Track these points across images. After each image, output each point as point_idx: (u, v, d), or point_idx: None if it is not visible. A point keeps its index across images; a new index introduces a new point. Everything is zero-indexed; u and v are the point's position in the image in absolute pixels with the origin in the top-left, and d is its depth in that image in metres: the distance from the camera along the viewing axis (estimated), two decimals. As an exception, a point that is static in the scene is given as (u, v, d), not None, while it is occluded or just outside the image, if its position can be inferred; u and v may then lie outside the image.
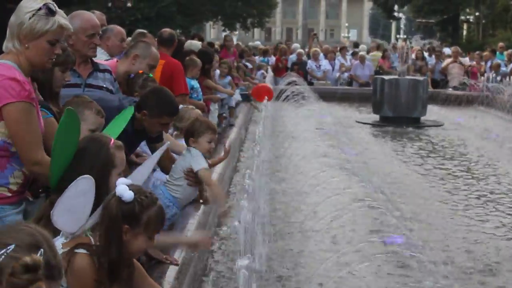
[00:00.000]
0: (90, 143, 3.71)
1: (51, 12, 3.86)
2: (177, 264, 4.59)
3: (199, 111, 7.23)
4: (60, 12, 3.97)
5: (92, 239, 3.37)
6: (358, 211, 7.51)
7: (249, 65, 18.92)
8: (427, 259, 6.04)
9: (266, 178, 9.13)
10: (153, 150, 5.73)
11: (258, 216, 6.63)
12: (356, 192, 8.26)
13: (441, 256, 6.65)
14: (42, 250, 2.31)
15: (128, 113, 4.39)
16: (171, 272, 4.48)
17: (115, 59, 6.03)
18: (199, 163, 5.68)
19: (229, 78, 13.36)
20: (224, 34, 28.75)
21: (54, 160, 3.63)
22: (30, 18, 3.82)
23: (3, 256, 2.25)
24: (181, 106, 7.07)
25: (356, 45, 30.80)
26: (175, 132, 6.89)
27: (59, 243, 3.29)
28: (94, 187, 3.34)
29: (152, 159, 3.82)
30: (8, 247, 2.27)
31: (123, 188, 3.33)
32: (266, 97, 14.84)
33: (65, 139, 3.58)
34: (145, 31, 7.64)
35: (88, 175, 3.36)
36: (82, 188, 3.32)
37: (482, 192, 9.61)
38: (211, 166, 6.18)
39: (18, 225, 2.48)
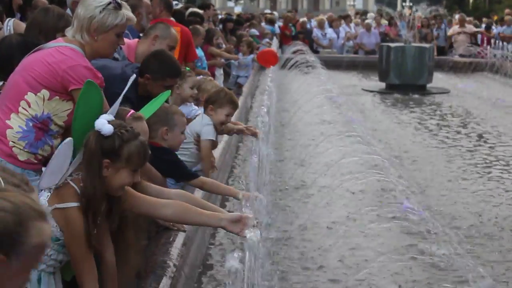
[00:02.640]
0: None
1: (119, 6, 4.04)
2: (184, 231, 4.60)
3: (217, 83, 7.21)
4: (125, 4, 4.10)
5: (74, 185, 3.38)
6: (365, 177, 7.52)
7: (256, 32, 18.85)
8: (435, 224, 6.07)
9: (272, 145, 9.15)
10: None
11: (264, 183, 6.66)
12: (363, 158, 8.25)
13: (449, 221, 6.68)
14: None
15: (164, 96, 4.41)
16: (179, 238, 4.50)
17: (136, 39, 6.06)
18: (207, 133, 5.70)
19: (251, 56, 13.43)
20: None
21: (75, 128, 3.64)
22: (100, 12, 3.99)
23: None
24: (200, 76, 7.06)
25: (364, 13, 30.64)
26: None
27: (43, 198, 3.31)
28: (72, 147, 3.37)
29: (124, 91, 3.80)
30: None
31: (101, 122, 3.34)
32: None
33: (87, 109, 3.59)
34: None
35: (68, 138, 3.39)
36: (64, 150, 3.36)
37: (489, 157, 9.62)
38: (226, 131, 6.24)
39: None
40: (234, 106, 5.95)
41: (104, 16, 4.00)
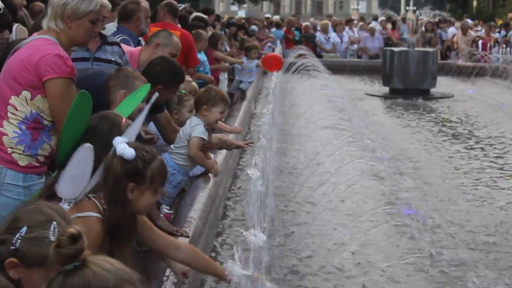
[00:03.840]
0: (102, 121, 3.68)
1: None
2: (187, 236, 4.59)
3: (195, 84, 7.16)
4: None
5: (96, 201, 3.38)
6: (368, 183, 7.52)
7: (256, 28, 18.83)
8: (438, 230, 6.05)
9: (276, 150, 9.14)
10: (153, 120, 5.70)
11: (268, 187, 6.65)
12: (367, 164, 8.25)
13: (453, 227, 6.66)
14: (54, 222, 2.33)
15: (143, 91, 4.35)
16: (182, 243, 4.48)
17: (139, 47, 6.05)
18: (197, 131, 5.67)
19: (256, 61, 13.48)
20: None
21: (63, 138, 3.64)
22: None
23: (19, 240, 2.29)
24: None
25: (374, 18, 30.62)
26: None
27: None
28: (93, 154, 3.35)
29: (142, 114, 3.78)
30: (21, 230, 2.31)
31: (123, 146, 3.31)
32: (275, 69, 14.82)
33: (76, 120, 3.58)
34: None
35: (88, 144, 3.38)
36: (83, 156, 3.35)
37: (494, 162, 9.60)
38: (225, 146, 6.19)
39: (26, 206, 2.51)
40: (226, 102, 5.91)
41: (78, 3, 3.99)
